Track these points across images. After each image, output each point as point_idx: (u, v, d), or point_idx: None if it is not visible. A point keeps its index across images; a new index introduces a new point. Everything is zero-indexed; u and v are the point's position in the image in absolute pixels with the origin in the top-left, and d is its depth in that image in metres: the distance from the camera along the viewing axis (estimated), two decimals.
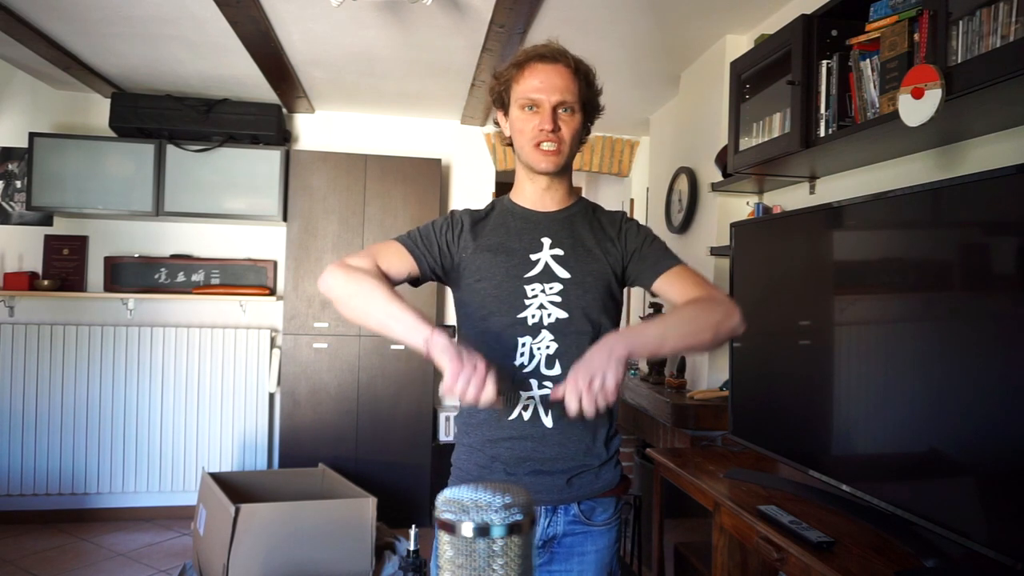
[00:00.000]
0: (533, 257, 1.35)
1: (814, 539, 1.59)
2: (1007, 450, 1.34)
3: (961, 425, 1.46)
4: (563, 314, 1.32)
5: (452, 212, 1.43)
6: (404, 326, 1.20)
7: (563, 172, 1.38)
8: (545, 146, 1.31)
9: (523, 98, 1.31)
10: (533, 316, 1.32)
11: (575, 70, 1.31)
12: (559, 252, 1.36)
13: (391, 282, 1.33)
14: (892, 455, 1.70)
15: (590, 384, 1.09)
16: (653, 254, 1.39)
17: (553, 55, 1.31)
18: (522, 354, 1.32)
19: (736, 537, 1.96)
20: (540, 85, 1.29)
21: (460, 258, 1.38)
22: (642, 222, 1.47)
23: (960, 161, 1.85)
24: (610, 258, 1.38)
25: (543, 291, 1.33)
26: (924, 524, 1.53)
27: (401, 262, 1.35)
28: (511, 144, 1.39)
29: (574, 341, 1.31)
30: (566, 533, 1.34)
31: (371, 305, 1.24)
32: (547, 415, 1.31)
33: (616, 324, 1.40)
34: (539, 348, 1.31)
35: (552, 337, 1.31)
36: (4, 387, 3.85)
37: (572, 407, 1.09)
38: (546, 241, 1.37)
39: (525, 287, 1.33)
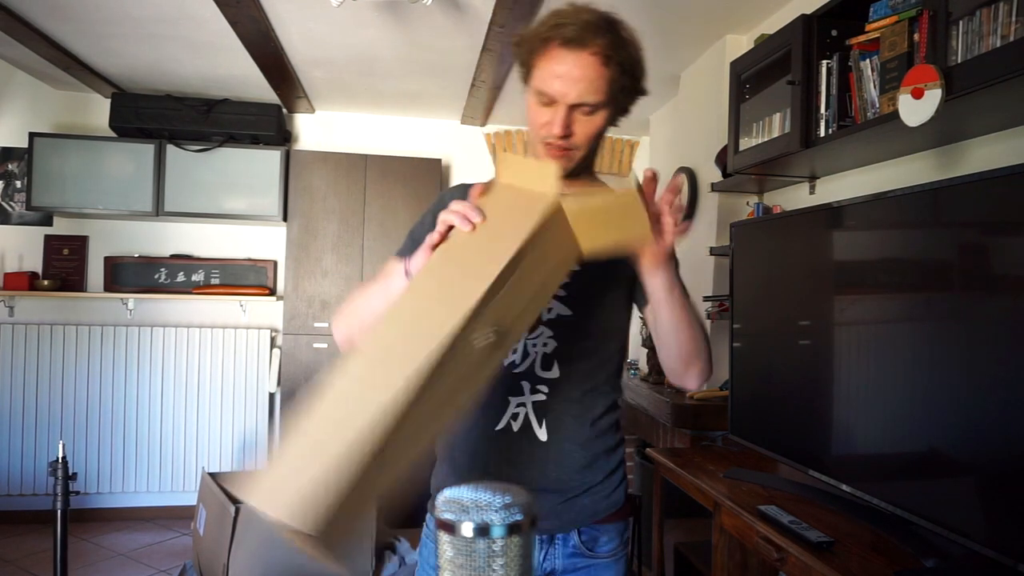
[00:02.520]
0: None
1: (814, 539, 1.59)
2: (1006, 450, 1.34)
3: (961, 425, 1.46)
4: (566, 310, 1.15)
5: (442, 196, 1.24)
6: (393, 282, 1.05)
7: (576, 173, 1.17)
8: (554, 149, 1.11)
9: (538, 90, 1.09)
10: None
11: (605, 59, 1.06)
12: None
13: None
14: (892, 455, 1.70)
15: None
16: None
17: (580, 39, 1.05)
18: (515, 351, 1.14)
19: (736, 537, 1.95)
20: (558, 80, 1.06)
21: None
22: None
23: (960, 161, 1.85)
24: (626, 266, 1.16)
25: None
26: (924, 524, 1.53)
27: None
28: None
29: (576, 342, 1.15)
30: (566, 568, 1.18)
31: (366, 307, 1.10)
32: (540, 426, 1.15)
33: (627, 332, 1.24)
34: (535, 345, 1.14)
35: (551, 334, 1.14)
36: (4, 387, 3.84)
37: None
38: None
39: None
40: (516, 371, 1.15)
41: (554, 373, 1.15)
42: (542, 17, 1.11)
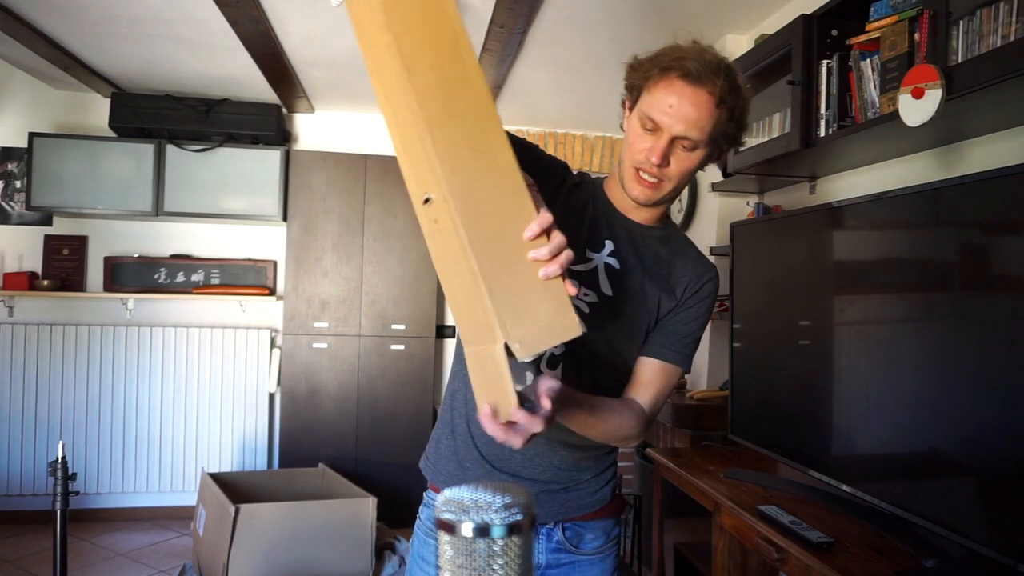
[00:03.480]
0: (589, 254, 1.18)
1: (814, 539, 1.59)
2: (1006, 450, 1.34)
3: (961, 425, 1.46)
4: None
5: (565, 165, 1.27)
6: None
7: (658, 204, 1.20)
8: (644, 176, 1.13)
9: (645, 115, 1.11)
10: None
11: (719, 101, 1.09)
12: (614, 263, 1.19)
13: None
14: (892, 455, 1.70)
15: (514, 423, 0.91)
16: (675, 335, 1.21)
17: (700, 76, 1.07)
18: None
19: (736, 537, 1.95)
20: (669, 109, 1.08)
21: None
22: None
23: (960, 161, 1.85)
24: (659, 307, 1.20)
25: (578, 296, 1.14)
26: (924, 524, 1.53)
27: None
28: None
29: (584, 356, 1.16)
30: (550, 564, 1.19)
31: None
32: None
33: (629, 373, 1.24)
34: None
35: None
36: (4, 387, 3.84)
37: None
38: (608, 244, 1.20)
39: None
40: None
41: (556, 374, 1.15)
42: (663, 48, 1.13)
